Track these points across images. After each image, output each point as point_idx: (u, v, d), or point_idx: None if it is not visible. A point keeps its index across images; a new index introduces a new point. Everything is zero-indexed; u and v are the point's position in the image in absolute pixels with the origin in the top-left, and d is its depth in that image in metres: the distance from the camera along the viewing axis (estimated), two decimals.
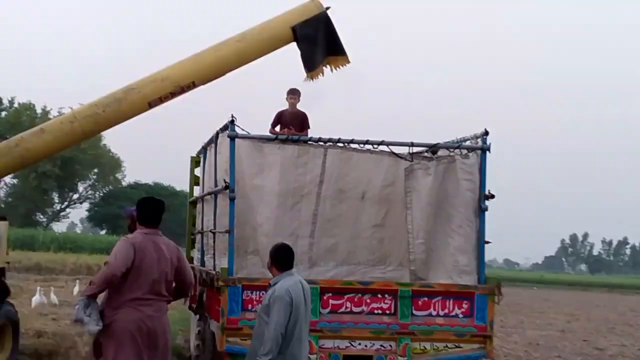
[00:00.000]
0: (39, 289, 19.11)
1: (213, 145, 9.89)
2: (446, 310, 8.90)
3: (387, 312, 8.80)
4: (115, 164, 78.32)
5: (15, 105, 72.94)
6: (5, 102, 73.22)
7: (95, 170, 77.65)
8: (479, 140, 9.21)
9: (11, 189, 72.15)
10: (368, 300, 8.78)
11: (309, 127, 10.57)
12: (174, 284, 7.14)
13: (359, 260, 9.44)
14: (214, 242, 9.60)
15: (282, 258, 6.76)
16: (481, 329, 8.88)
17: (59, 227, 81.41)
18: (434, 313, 8.87)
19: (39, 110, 71.95)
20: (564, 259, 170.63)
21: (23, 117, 69.16)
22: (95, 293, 6.97)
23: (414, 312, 8.81)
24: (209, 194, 10.07)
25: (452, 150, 9.31)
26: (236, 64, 9.21)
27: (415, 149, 9.42)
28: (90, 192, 79.91)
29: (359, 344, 8.69)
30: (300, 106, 10.66)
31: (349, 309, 8.75)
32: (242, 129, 8.83)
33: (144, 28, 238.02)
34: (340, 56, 9.36)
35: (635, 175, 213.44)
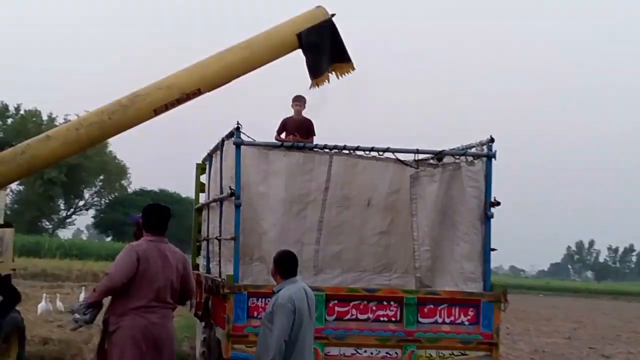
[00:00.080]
0: (45, 295, 19.13)
1: (218, 152, 9.90)
2: (452, 318, 8.86)
3: (393, 319, 8.77)
4: (121, 171, 78.56)
5: (22, 112, 73.31)
6: (12, 109, 73.60)
7: (101, 177, 77.89)
8: (485, 147, 9.19)
9: (17, 196, 72.32)
10: (374, 308, 8.76)
11: (314, 134, 10.57)
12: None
13: (364, 267, 9.44)
14: (219, 249, 9.59)
15: (285, 265, 6.76)
16: (487, 337, 8.84)
17: (65, 234, 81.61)
18: (440, 320, 8.84)
19: (45, 117, 72.33)
20: (569, 266, 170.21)
21: (29, 124, 69.51)
22: (97, 301, 7.00)
23: (420, 319, 8.78)
24: (215, 201, 10.07)
25: (457, 157, 9.30)
26: (242, 70, 9.21)
27: (421, 156, 9.42)
28: (96, 198, 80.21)
29: (365, 351, 8.66)
30: (305, 113, 10.67)
31: (354, 316, 8.72)
32: (248, 136, 8.83)
33: (150, 35, 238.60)
34: (345, 63, 9.35)
35: None
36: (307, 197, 9.19)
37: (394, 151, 9.17)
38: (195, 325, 13.23)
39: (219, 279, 8.99)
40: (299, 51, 9.23)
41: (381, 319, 8.76)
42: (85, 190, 78.65)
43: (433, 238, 9.04)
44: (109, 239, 77.12)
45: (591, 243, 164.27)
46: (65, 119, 61.51)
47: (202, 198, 12.31)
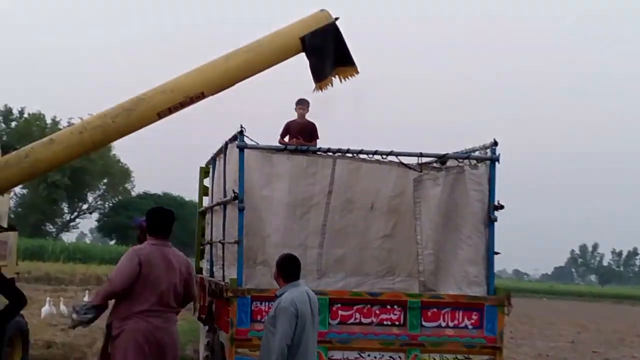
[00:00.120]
0: (49, 299, 19.17)
1: (222, 155, 9.90)
2: (455, 322, 8.85)
3: (397, 323, 8.76)
4: (124, 174, 78.59)
5: (25, 115, 73.39)
6: (15, 112, 73.71)
7: (105, 181, 77.94)
8: (488, 150, 9.19)
9: (21, 199, 72.43)
10: (377, 311, 8.74)
11: (317, 138, 10.57)
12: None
13: (368, 271, 9.44)
14: (223, 252, 9.59)
15: (288, 268, 6.75)
16: (491, 340, 8.83)
17: (69, 237, 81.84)
18: (444, 324, 8.83)
19: (48, 121, 72.39)
20: (573, 270, 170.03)
21: (33, 127, 69.61)
22: (100, 304, 7.02)
23: (423, 323, 8.77)
24: (218, 204, 10.07)
25: (461, 160, 9.29)
26: (245, 74, 9.21)
27: (424, 160, 9.39)
28: (99, 202, 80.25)
29: (368, 355, 8.65)
30: (309, 116, 10.67)
31: (358, 320, 8.71)
32: (251, 140, 8.84)
33: (153, 39, 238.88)
34: (349, 67, 9.35)
35: None
36: (311, 200, 9.19)
37: (397, 154, 9.17)
38: (198, 329, 13.24)
39: (223, 283, 8.99)
40: (303, 55, 9.24)
41: (385, 322, 8.75)
42: (89, 194, 78.73)
43: (436, 242, 9.02)
44: (112, 242, 77.20)
45: (595, 247, 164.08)
46: (69, 122, 61.76)
47: (206, 201, 12.31)
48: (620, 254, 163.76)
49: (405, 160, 9.26)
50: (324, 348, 8.34)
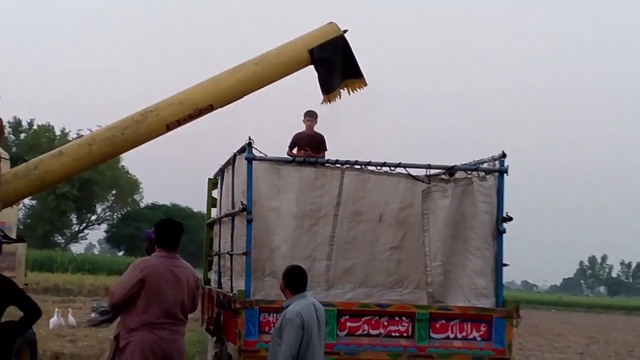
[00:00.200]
0: (57, 310, 19.18)
1: (230, 167, 9.91)
2: (464, 333, 8.82)
3: (405, 334, 8.73)
4: (133, 185, 78.74)
5: (35, 127, 73.62)
6: (25, 124, 73.94)
7: (113, 192, 78.09)
8: (497, 162, 9.18)
9: (30, 211, 72.63)
10: (385, 323, 8.72)
11: (326, 149, 10.58)
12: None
13: (376, 283, 9.42)
14: (231, 264, 9.59)
15: (294, 280, 6.76)
16: (499, 352, 8.80)
17: (77, 248, 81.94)
18: (452, 336, 8.80)
19: (57, 132, 72.60)
20: (582, 281, 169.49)
21: (42, 139, 69.85)
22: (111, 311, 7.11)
23: (432, 334, 8.75)
24: (226, 215, 10.08)
25: (469, 172, 9.29)
26: (254, 86, 9.25)
27: (433, 171, 9.41)
28: (108, 213, 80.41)
29: None
30: (317, 128, 10.68)
31: (366, 332, 8.69)
32: (260, 151, 8.84)
33: (162, 52, 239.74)
34: (357, 79, 9.38)
35: None
36: (319, 212, 9.19)
37: (405, 166, 9.16)
38: (206, 340, 13.23)
39: (231, 294, 8.99)
40: (312, 67, 9.27)
41: (393, 334, 8.72)
42: (97, 205, 78.90)
43: (445, 253, 9.01)
44: (121, 253, 77.32)
45: (604, 258, 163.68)
46: (77, 134, 62.03)
47: (214, 213, 12.32)
48: (629, 265, 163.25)
49: (414, 172, 9.25)
50: (332, 359, 8.33)
